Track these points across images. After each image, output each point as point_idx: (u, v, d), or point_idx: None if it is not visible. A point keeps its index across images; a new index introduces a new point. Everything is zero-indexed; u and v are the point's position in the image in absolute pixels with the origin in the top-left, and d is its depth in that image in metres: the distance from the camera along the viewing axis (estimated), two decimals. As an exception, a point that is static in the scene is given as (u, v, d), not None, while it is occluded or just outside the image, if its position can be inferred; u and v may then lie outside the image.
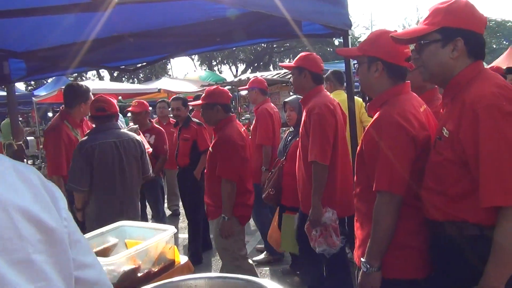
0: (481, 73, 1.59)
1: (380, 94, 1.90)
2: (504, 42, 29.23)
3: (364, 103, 4.57)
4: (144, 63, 4.60)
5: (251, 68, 30.43)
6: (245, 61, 32.92)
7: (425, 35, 1.64)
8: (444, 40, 1.60)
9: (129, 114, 8.37)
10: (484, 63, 1.74)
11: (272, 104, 4.81)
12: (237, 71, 32.91)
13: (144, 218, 4.53)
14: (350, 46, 3.08)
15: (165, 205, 6.34)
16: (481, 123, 1.43)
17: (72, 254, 0.66)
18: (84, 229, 2.81)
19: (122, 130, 3.37)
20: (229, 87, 10.45)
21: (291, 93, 5.89)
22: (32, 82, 26.14)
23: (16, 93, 14.30)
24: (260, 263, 4.43)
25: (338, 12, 2.80)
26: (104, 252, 2.11)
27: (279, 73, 8.58)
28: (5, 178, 0.61)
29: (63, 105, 3.63)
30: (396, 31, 1.87)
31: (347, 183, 3.00)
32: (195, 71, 29.16)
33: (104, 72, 27.26)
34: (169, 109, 5.68)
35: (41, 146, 7.83)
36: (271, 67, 29.62)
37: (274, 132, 4.46)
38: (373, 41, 1.93)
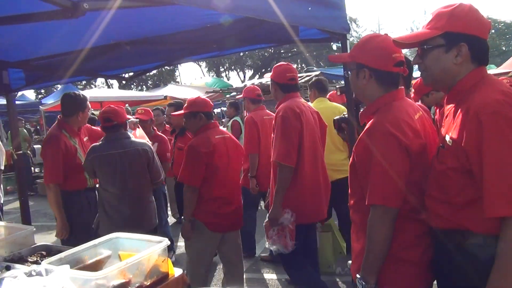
0: (484, 78, 1.55)
1: (372, 102, 1.82)
2: (514, 44, 29.02)
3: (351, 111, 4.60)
4: (141, 71, 4.61)
5: (259, 73, 30.50)
6: (253, 67, 33.05)
7: (428, 39, 1.59)
8: (447, 45, 1.56)
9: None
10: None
11: (267, 111, 4.78)
12: (244, 77, 33.09)
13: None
14: (348, 51, 3.01)
15: (169, 212, 6.30)
16: (486, 131, 1.39)
17: None
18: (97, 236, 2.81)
19: (130, 139, 3.45)
20: (235, 93, 10.43)
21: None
22: (42, 91, 26.54)
23: (25, 102, 14.59)
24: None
25: (335, 16, 2.73)
26: (97, 265, 2.04)
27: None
28: None
29: (61, 114, 3.65)
30: (387, 34, 1.80)
31: (317, 189, 3.04)
32: (201, 77, 29.37)
33: (113, 80, 27.54)
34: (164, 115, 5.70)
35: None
36: (278, 73, 29.58)
37: (260, 139, 4.48)
38: (361, 47, 1.86)
